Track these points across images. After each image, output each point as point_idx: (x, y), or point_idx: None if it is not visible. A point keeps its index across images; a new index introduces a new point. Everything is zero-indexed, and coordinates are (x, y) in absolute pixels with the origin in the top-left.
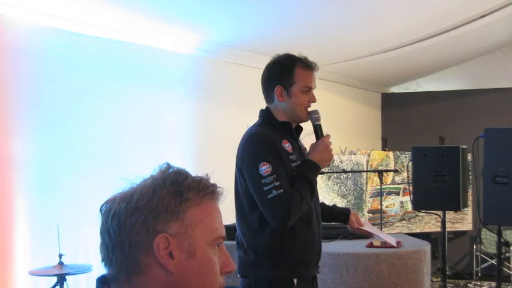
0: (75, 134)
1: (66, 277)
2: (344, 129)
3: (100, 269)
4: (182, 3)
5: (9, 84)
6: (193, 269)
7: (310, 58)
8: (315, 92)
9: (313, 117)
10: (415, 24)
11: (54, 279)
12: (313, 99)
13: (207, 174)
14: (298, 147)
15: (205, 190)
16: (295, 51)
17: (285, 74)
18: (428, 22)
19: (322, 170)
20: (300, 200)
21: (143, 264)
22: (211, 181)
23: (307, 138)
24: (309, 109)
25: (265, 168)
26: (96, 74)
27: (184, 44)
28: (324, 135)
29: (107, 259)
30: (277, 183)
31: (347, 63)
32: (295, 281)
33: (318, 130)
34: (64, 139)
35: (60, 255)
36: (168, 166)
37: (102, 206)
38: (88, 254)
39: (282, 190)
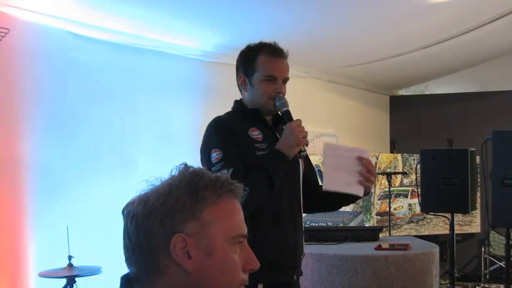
0: (84, 137)
1: (76, 279)
2: (352, 131)
3: (109, 271)
4: (190, 7)
5: (19, 86)
6: (211, 268)
7: (320, 61)
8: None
9: (278, 104)
10: (424, 29)
11: (64, 281)
12: (278, 89)
13: (226, 173)
14: (273, 137)
15: (222, 189)
16: (304, 55)
17: (247, 62)
18: (438, 28)
19: None
20: (250, 188)
21: (162, 265)
22: None
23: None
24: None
25: (215, 155)
26: (106, 77)
27: (192, 47)
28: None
29: (129, 260)
30: (224, 171)
31: (356, 67)
32: (259, 286)
33: (285, 117)
34: (74, 141)
35: (70, 257)
36: (186, 166)
37: (123, 209)
38: (97, 256)
39: None
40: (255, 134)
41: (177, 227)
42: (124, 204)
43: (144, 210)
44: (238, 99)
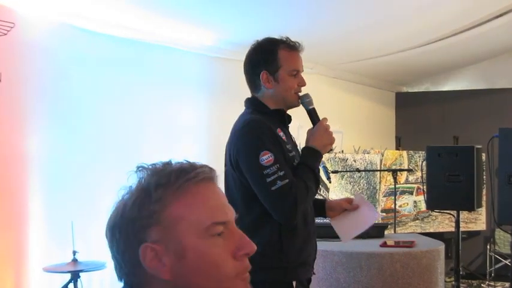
0: (90, 132)
1: (80, 274)
2: (358, 128)
3: (113, 266)
4: (197, 2)
5: (24, 80)
6: (189, 269)
7: (326, 57)
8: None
9: (305, 101)
10: (429, 25)
11: (68, 276)
12: (302, 83)
13: (281, 174)
14: (290, 137)
15: (177, 182)
16: (309, 51)
17: (268, 58)
18: (443, 23)
19: (335, 169)
20: (306, 190)
21: (145, 279)
22: None
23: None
24: (300, 94)
25: (266, 158)
26: (112, 72)
27: (198, 42)
28: (321, 118)
29: (120, 274)
30: (281, 173)
31: (361, 62)
32: (294, 284)
33: (312, 114)
34: (79, 137)
35: (74, 252)
36: (137, 169)
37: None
38: (102, 251)
39: (287, 180)
40: (281, 134)
41: (141, 236)
42: None
43: (109, 227)
44: (250, 97)
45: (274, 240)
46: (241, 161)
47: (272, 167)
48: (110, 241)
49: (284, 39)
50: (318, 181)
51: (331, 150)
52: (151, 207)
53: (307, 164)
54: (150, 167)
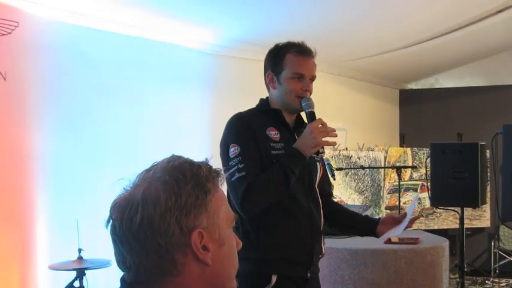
0: (94, 130)
1: (85, 271)
2: (362, 125)
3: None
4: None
5: (29, 80)
6: (225, 256)
7: (330, 54)
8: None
9: (304, 104)
10: (432, 20)
11: (74, 274)
12: (306, 87)
13: (206, 159)
14: (291, 138)
15: (218, 176)
16: (314, 48)
17: (275, 60)
18: (446, 18)
19: (340, 166)
20: (265, 184)
21: (180, 264)
22: None
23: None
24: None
25: (233, 150)
26: (115, 70)
27: (201, 40)
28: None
29: (134, 265)
30: (240, 166)
31: (365, 60)
32: (273, 277)
33: (310, 117)
34: (84, 135)
35: (80, 250)
36: (178, 157)
37: (117, 214)
38: (107, 249)
39: (243, 173)
40: (273, 133)
41: (193, 222)
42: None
43: (158, 211)
44: (265, 97)
45: (253, 231)
46: (220, 153)
47: (235, 159)
48: (156, 225)
49: (297, 43)
50: (288, 179)
51: (320, 153)
52: (206, 197)
53: (279, 161)
54: (186, 158)
